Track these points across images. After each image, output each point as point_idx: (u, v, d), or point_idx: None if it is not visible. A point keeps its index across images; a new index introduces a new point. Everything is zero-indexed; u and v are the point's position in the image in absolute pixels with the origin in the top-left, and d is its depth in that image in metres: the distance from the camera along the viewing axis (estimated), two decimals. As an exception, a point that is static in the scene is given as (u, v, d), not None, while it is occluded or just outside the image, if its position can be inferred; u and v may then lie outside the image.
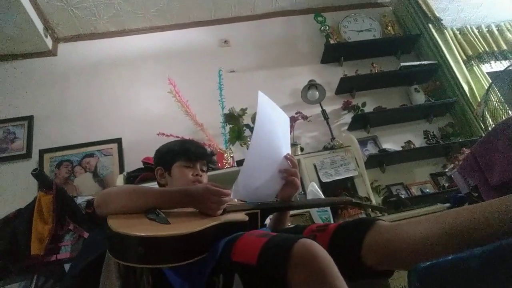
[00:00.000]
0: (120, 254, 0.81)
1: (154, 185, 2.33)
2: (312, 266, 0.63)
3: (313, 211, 2.19)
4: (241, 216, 1.01)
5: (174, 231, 0.81)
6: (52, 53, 3.24)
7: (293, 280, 0.64)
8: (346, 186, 2.52)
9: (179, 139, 1.38)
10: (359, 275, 0.84)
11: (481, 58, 3.57)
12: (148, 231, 0.80)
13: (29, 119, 2.94)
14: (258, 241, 0.75)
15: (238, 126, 2.66)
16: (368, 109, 3.11)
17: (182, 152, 1.25)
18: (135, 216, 0.91)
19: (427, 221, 0.77)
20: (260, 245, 0.72)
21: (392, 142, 3.10)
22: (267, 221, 1.32)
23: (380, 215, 2.18)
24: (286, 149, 1.21)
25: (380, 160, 2.93)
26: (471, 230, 0.68)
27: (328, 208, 2.20)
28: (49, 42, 3.21)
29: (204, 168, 1.30)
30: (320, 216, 2.16)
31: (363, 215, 2.22)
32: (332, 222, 1.95)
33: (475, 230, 0.67)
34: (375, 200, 2.54)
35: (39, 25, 3.04)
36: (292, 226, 1.23)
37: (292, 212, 1.81)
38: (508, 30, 3.87)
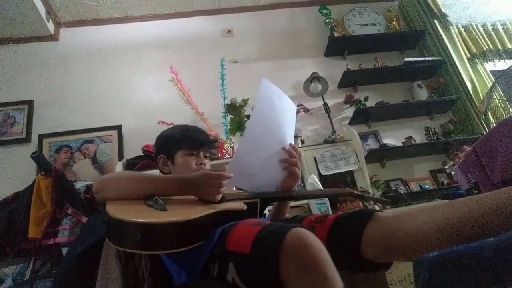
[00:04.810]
0: (117, 240, 0.81)
1: (153, 173, 2.37)
2: (304, 256, 0.62)
3: (312, 203, 2.18)
4: (239, 205, 1.00)
5: (171, 217, 0.80)
6: (54, 37, 3.21)
7: (285, 269, 0.63)
8: (345, 179, 2.52)
9: (180, 125, 1.34)
10: (358, 267, 0.84)
11: (485, 56, 3.55)
12: (145, 218, 0.79)
13: (29, 103, 2.92)
14: (252, 230, 0.74)
15: (239, 116, 2.66)
16: (370, 103, 3.10)
17: (185, 140, 1.21)
18: (133, 202, 0.91)
19: (429, 211, 0.76)
20: (254, 234, 0.72)
21: (393, 137, 3.09)
22: (266, 211, 1.32)
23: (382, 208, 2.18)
24: (290, 139, 1.19)
25: (380, 155, 2.93)
26: (476, 223, 0.67)
27: (327, 200, 2.20)
28: (51, 26, 3.17)
29: (208, 155, 1.27)
30: (319, 208, 2.16)
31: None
32: (330, 213, 1.95)
33: (479, 224, 0.66)
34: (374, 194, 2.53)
35: (41, 9, 3.00)
36: (291, 216, 1.22)
37: (291, 203, 1.80)
38: (514, 28, 3.84)
